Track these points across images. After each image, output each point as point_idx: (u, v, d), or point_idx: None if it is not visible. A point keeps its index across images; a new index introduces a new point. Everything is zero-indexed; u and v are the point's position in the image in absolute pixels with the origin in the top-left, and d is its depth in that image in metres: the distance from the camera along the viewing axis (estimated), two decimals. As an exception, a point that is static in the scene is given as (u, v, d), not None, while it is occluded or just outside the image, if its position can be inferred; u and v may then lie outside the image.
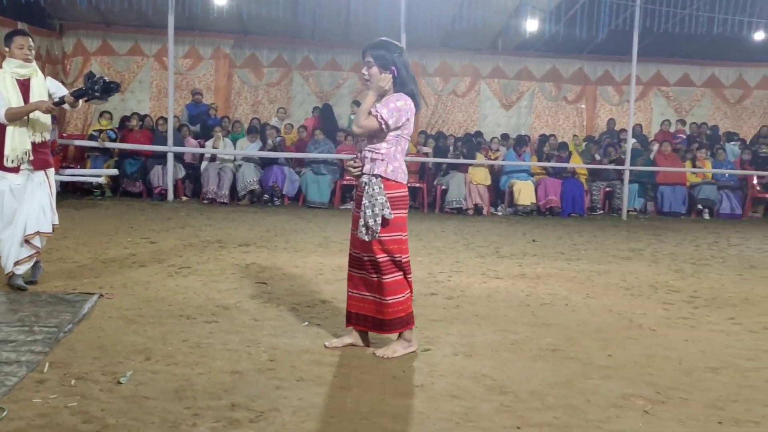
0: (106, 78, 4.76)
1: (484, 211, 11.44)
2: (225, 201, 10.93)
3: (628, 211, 11.77)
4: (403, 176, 3.71)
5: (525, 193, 11.46)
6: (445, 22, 12.69)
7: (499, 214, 11.54)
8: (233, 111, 14.06)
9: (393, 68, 3.67)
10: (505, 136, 13.20)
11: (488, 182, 11.64)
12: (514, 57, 14.94)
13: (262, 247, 7.04)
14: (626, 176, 11.69)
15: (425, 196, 11.75)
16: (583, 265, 6.78)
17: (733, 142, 13.64)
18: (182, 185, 11.40)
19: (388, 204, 3.59)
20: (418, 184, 11.89)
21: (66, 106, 4.77)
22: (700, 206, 12.18)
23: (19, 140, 4.69)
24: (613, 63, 14.89)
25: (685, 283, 6.06)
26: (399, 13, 11.01)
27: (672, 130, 14.16)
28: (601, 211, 12.04)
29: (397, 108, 3.60)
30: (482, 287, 5.56)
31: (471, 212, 11.26)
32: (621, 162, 11.97)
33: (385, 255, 3.66)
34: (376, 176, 3.62)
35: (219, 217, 9.25)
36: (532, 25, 13.07)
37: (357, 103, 12.84)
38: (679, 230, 10.07)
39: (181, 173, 11.30)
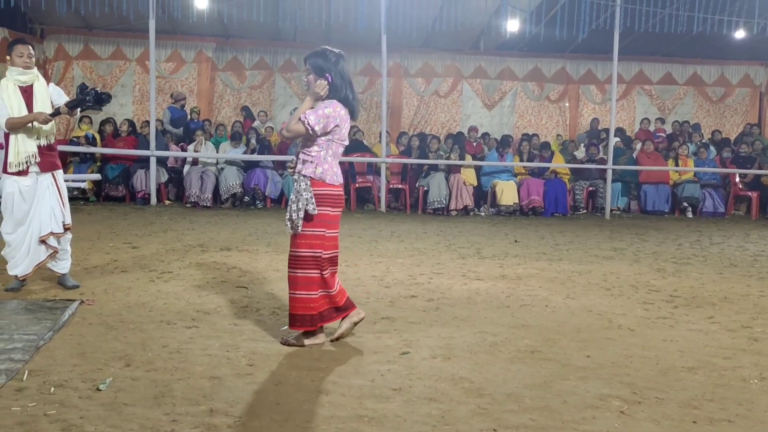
0: (98, 89, 5.01)
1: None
2: (208, 204, 10.90)
3: (611, 210, 11.85)
4: (332, 178, 3.93)
5: (507, 193, 11.51)
6: (426, 23, 12.73)
7: (482, 214, 11.59)
8: (216, 114, 14.04)
9: (327, 75, 3.88)
10: (485, 136, 13.25)
11: (476, 183, 11.68)
12: (496, 57, 15.01)
13: (244, 250, 7.03)
14: (609, 175, 11.77)
15: (407, 197, 11.77)
16: (564, 266, 6.82)
17: (704, 140, 13.76)
18: (165, 189, 11.35)
19: (313, 200, 3.82)
20: (400, 186, 11.93)
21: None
22: (683, 204, 12.28)
23: (23, 146, 4.87)
24: (595, 62, 14.99)
25: (666, 283, 6.11)
26: (379, 15, 11.04)
27: (652, 128, 14.26)
28: (585, 211, 12.11)
29: (325, 115, 3.83)
30: (463, 289, 5.59)
31: (454, 213, 11.29)
32: (604, 161, 12.04)
33: (306, 250, 3.85)
34: (305, 176, 3.86)
35: (202, 221, 9.24)
36: (513, 26, 13.13)
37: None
38: (662, 229, 10.15)
39: (164, 177, 11.26)
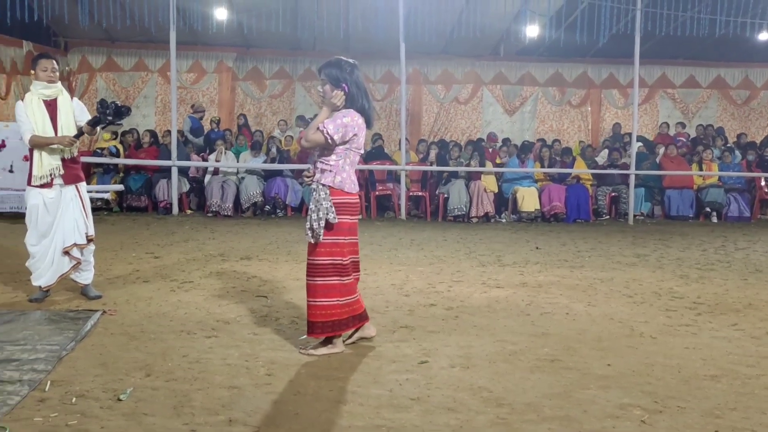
0: (117, 102, 5.08)
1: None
2: (229, 213, 10.98)
3: (634, 215, 11.72)
4: (351, 186, 3.98)
5: (529, 199, 11.45)
6: (444, 30, 12.74)
7: (503, 221, 11.53)
8: (237, 124, 14.17)
9: (344, 85, 3.91)
10: (506, 141, 13.19)
11: (496, 189, 11.63)
12: (516, 62, 14.98)
13: (264, 259, 7.07)
14: (632, 180, 11.65)
15: (428, 204, 11.75)
16: (586, 273, 6.76)
17: (730, 144, 13.57)
18: (187, 199, 11.47)
19: (333, 209, 3.86)
20: (420, 193, 11.91)
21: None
22: (707, 209, 12.12)
23: (47, 159, 4.97)
24: (617, 66, 14.89)
25: (690, 289, 6.03)
26: (398, 23, 11.06)
27: (672, 133, 14.10)
28: (608, 217, 12.00)
29: (343, 124, 3.87)
30: (482, 297, 5.56)
31: (475, 220, 11.25)
32: (626, 166, 11.93)
33: (326, 257, 3.89)
34: (324, 185, 3.89)
35: (222, 230, 9.31)
36: (533, 31, 13.12)
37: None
38: (686, 234, 10.03)
39: (186, 187, 11.38)
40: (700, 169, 12.31)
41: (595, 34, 11.21)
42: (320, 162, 3.94)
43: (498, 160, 12.21)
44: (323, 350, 3.96)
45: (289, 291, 5.60)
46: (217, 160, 11.46)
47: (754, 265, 7.36)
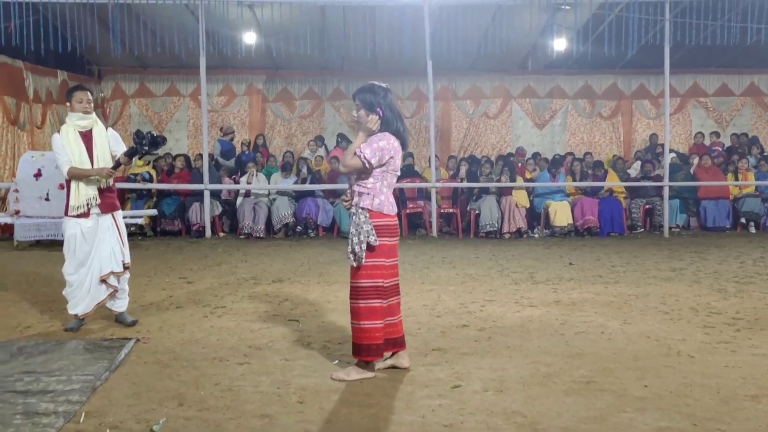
0: (153, 132, 5.22)
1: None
2: (261, 235, 11.05)
3: (670, 228, 11.51)
4: (389, 208, 4.02)
5: (561, 214, 11.32)
6: (471, 46, 12.74)
7: (536, 236, 11.41)
8: (268, 145, 14.31)
9: (378, 110, 3.97)
10: (536, 156, 13.10)
11: (528, 204, 11.54)
12: (544, 76, 14.91)
13: (296, 282, 7.09)
14: (666, 192, 11.46)
15: (459, 221, 11.70)
16: (621, 289, 6.65)
17: (767, 152, 13.26)
18: (219, 221, 11.58)
19: (373, 231, 3.91)
20: (451, 210, 11.87)
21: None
22: (744, 220, 11.86)
23: (84, 189, 5.07)
24: (648, 76, 14.72)
25: (728, 304, 5.90)
26: (424, 41, 11.09)
27: (707, 142, 13.85)
28: (642, 229, 11.81)
29: (380, 148, 3.92)
30: (515, 316, 5.50)
31: (507, 236, 11.16)
32: (660, 178, 11.74)
33: (368, 280, 3.94)
34: (363, 208, 3.94)
35: (255, 253, 9.37)
36: (560, 44, 13.06)
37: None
38: (723, 246, 9.82)
39: (218, 210, 11.49)
40: (736, 179, 12.07)
41: (623, 45, 11.10)
42: (358, 185, 4.00)
43: (528, 175, 12.11)
44: (355, 375, 3.95)
45: (321, 314, 5.61)
46: (248, 182, 11.58)
47: (795, 277, 7.18)
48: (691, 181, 11.99)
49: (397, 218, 4.10)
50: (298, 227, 11.36)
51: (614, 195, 11.77)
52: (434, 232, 11.33)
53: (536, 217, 11.76)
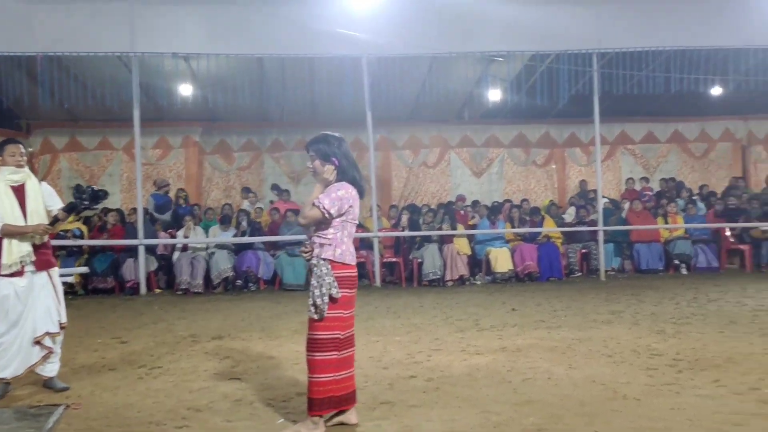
0: (94, 187, 5.05)
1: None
2: (199, 290, 10.76)
3: (605, 271, 11.76)
4: (350, 258, 3.97)
5: (502, 260, 11.44)
6: (410, 97, 12.96)
7: (478, 283, 11.48)
8: (205, 198, 14.08)
9: (333, 159, 3.95)
10: (475, 203, 13.27)
11: (469, 252, 11.63)
12: (480, 125, 15.24)
13: (237, 338, 6.88)
14: (600, 237, 11.73)
15: (402, 270, 11.67)
16: (564, 333, 6.69)
17: (696, 196, 13.79)
18: (155, 277, 11.22)
19: (335, 283, 3.83)
20: (394, 259, 11.84)
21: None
22: (676, 261, 12.22)
23: (17, 246, 4.81)
24: (578, 125, 15.20)
25: (667, 345, 5.99)
26: (363, 91, 11.20)
27: (638, 188, 14.33)
28: (579, 273, 12.02)
29: (338, 197, 3.87)
30: (462, 365, 5.45)
31: (450, 283, 11.18)
32: (594, 223, 12.03)
33: (326, 332, 3.84)
34: (325, 259, 3.86)
35: (193, 309, 9.09)
36: (495, 95, 13.41)
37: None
38: (657, 288, 10.06)
39: (154, 265, 11.15)
40: (666, 222, 12.47)
41: (555, 95, 11.47)
42: (318, 236, 3.93)
43: (470, 221, 12.25)
44: (303, 430, 3.82)
45: (264, 371, 5.43)
46: (185, 236, 11.31)
47: (728, 317, 7.36)
48: (624, 225, 12.32)
49: (356, 268, 4.03)
50: (238, 281, 11.11)
51: (551, 240, 11.98)
52: (377, 281, 11.26)
53: (478, 263, 11.85)
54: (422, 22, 10.93)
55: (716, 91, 13.42)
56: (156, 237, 11.33)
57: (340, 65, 11.30)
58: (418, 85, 12.64)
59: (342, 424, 4.00)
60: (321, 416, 3.86)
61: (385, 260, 11.74)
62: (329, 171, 3.94)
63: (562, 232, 12.19)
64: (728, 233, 12.66)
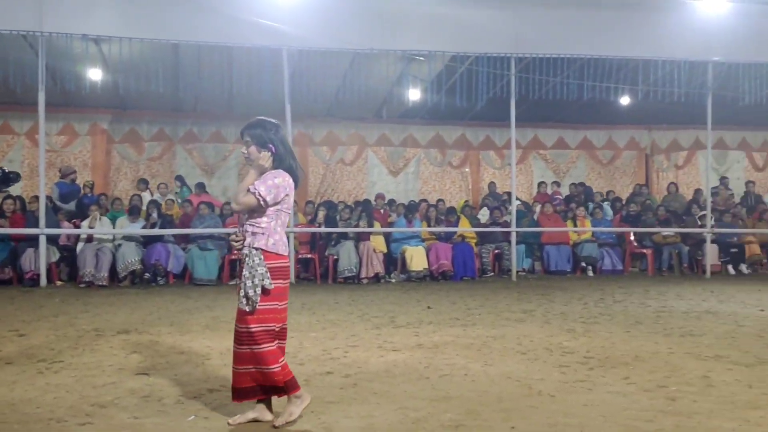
0: (5, 168, 4.76)
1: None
2: (104, 284, 10.29)
3: (517, 272, 12.02)
4: (284, 248, 3.84)
5: (417, 258, 11.51)
6: (329, 92, 12.83)
7: (393, 281, 11.51)
8: (113, 188, 13.52)
9: (270, 146, 3.82)
10: (391, 202, 13.31)
11: (385, 249, 11.64)
12: (398, 125, 15.31)
13: (144, 332, 6.59)
14: (513, 238, 11.98)
15: (317, 266, 11.56)
16: (478, 330, 6.76)
17: (606, 202, 14.33)
18: (57, 269, 10.66)
19: (268, 274, 3.71)
20: (309, 255, 11.71)
21: None
22: (583, 264, 12.63)
23: None
24: (493, 129, 15.50)
25: (578, 343, 6.14)
26: (282, 84, 11.00)
27: (549, 191, 14.75)
28: (492, 273, 12.25)
29: (275, 185, 3.75)
30: (380, 361, 5.40)
31: (365, 281, 11.15)
32: (507, 224, 12.28)
33: (260, 324, 3.72)
34: (257, 249, 3.74)
35: (97, 302, 8.67)
36: (414, 94, 13.46)
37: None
38: (566, 288, 10.35)
39: (56, 256, 10.60)
40: (575, 225, 12.88)
41: (473, 97, 11.62)
42: (251, 225, 3.78)
43: (390, 219, 12.28)
44: (296, 411, 3.82)
45: (174, 367, 5.20)
46: (90, 227, 10.78)
47: (633, 317, 7.63)
48: (535, 228, 12.64)
49: (288, 259, 3.90)
50: (146, 274, 10.70)
51: (466, 240, 12.15)
52: (292, 277, 11.09)
53: (393, 261, 11.88)
54: (345, 16, 10.85)
55: (624, 100, 13.99)
56: (58, 227, 10.76)
57: (260, 56, 11.06)
58: (338, 81, 12.54)
59: (256, 421, 3.86)
60: (299, 391, 3.84)
61: (300, 256, 11.59)
62: (265, 158, 3.79)
63: (477, 233, 12.38)
64: (632, 238, 13.21)
